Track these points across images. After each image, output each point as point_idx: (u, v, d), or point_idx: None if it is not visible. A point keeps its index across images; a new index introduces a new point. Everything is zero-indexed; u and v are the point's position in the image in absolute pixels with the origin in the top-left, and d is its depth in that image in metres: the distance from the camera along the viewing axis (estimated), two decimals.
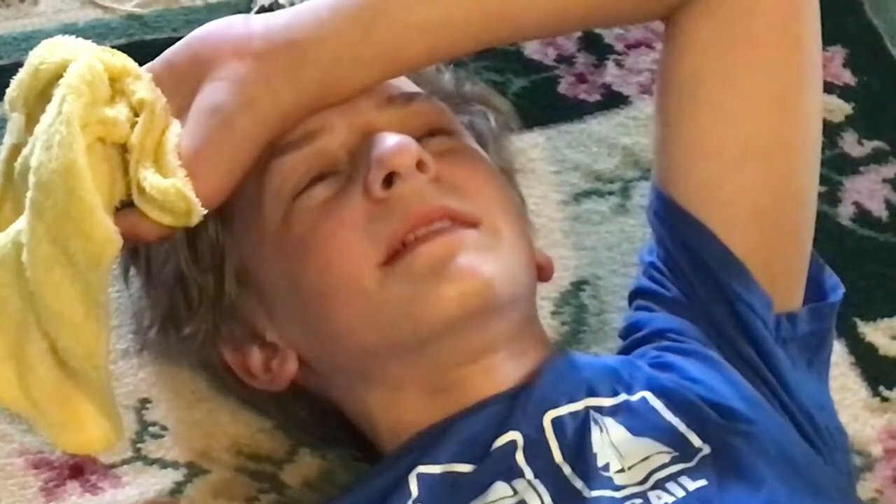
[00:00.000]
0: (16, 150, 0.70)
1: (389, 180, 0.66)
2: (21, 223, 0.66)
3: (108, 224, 0.64)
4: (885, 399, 0.88)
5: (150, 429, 0.83)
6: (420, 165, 0.67)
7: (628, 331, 0.78)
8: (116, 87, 0.69)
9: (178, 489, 0.79)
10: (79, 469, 0.80)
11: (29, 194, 0.65)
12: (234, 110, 0.67)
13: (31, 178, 0.65)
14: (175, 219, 0.67)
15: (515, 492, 0.68)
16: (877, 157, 1.00)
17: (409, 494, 0.68)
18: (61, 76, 0.67)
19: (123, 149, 0.67)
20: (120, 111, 0.67)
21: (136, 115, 0.67)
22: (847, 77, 1.03)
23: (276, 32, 0.69)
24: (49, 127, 0.66)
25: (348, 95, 0.69)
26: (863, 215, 0.97)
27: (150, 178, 0.67)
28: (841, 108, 1.00)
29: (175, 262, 0.76)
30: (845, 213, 0.96)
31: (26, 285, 0.67)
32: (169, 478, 0.79)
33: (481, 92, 0.85)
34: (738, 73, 0.76)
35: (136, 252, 0.78)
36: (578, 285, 0.89)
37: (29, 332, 0.67)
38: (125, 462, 0.81)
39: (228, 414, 0.83)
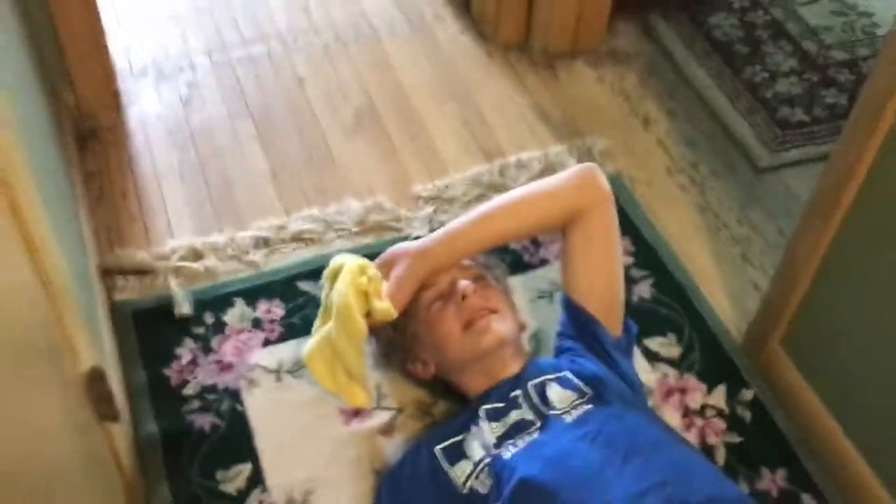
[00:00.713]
0: (326, 298, 1.41)
1: (463, 298, 1.39)
2: (328, 326, 1.35)
3: (363, 326, 1.32)
4: (654, 368, 1.60)
5: (382, 402, 1.51)
6: (473, 291, 1.39)
7: (556, 350, 1.47)
8: (364, 271, 1.37)
9: (392, 420, 1.49)
10: (356, 412, 1.49)
11: (333, 314, 1.34)
12: (408, 276, 1.38)
13: (333, 309, 1.34)
14: (386, 318, 1.36)
15: (520, 415, 1.30)
16: (644, 278, 1.73)
17: (480, 415, 1.33)
18: (341, 268, 1.39)
19: (367, 295, 1.36)
20: (365, 280, 1.36)
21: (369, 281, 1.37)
22: (628, 246, 1.77)
23: (419, 247, 1.40)
24: (340, 288, 1.35)
25: (446, 268, 1.42)
26: (641, 298, 1.69)
27: (376, 305, 1.34)
28: (627, 259, 1.72)
29: (387, 333, 1.45)
30: (633, 298, 1.68)
31: (333, 348, 1.37)
32: (389, 415, 1.49)
33: (494, 261, 1.56)
34: (589, 249, 1.45)
35: (373, 331, 1.42)
36: (536, 333, 1.63)
37: (335, 365, 1.35)
38: (373, 409, 1.49)
39: (411, 389, 1.52)
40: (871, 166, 1.30)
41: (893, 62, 1.21)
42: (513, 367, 1.40)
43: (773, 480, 1.48)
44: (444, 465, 1.30)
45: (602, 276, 1.47)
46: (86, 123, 2.00)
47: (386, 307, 1.34)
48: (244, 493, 1.41)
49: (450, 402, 1.52)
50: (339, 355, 1.36)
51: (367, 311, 1.35)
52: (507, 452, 1.26)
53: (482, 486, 1.25)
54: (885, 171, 1.28)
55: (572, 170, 1.48)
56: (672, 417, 1.55)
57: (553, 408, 1.31)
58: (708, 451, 1.51)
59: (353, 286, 1.35)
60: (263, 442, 1.47)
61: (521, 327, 1.50)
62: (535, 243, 1.80)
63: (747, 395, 1.59)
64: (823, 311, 1.47)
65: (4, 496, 0.71)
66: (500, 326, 1.39)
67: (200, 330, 1.62)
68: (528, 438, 1.27)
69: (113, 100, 2.05)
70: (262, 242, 1.78)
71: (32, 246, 0.92)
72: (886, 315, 1.35)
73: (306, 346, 1.40)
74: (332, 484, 1.43)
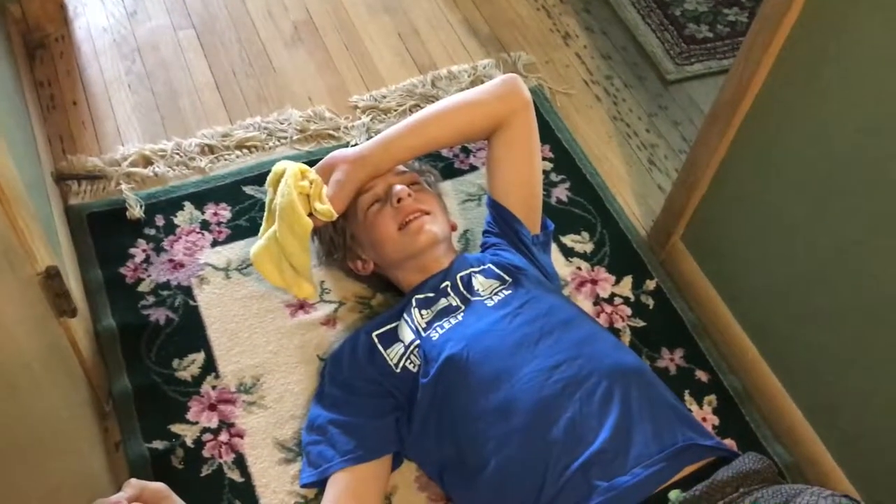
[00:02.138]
0: (270, 203, 1.37)
1: (399, 200, 1.38)
2: (274, 227, 1.33)
3: (308, 221, 1.31)
4: (570, 262, 1.62)
5: (325, 296, 1.52)
6: (408, 194, 1.38)
7: (482, 246, 1.49)
8: (305, 175, 1.36)
9: (333, 313, 1.50)
10: (301, 305, 1.49)
11: (278, 214, 1.32)
12: (347, 179, 1.36)
13: (278, 210, 1.32)
14: (327, 218, 1.33)
15: (448, 301, 1.33)
16: (562, 182, 1.74)
17: (412, 303, 1.34)
18: (283, 173, 1.36)
19: (309, 197, 1.34)
20: (307, 183, 1.34)
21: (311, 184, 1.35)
22: (547, 153, 1.78)
23: (357, 153, 1.38)
24: (283, 190, 1.33)
25: (383, 173, 1.41)
26: (558, 200, 1.71)
27: (318, 206, 1.32)
28: (544, 165, 1.74)
29: (329, 233, 1.45)
30: (551, 200, 1.70)
31: (279, 246, 1.34)
32: (331, 308, 1.50)
33: (427, 167, 1.55)
34: (512, 152, 1.45)
35: (316, 230, 1.42)
36: (465, 232, 1.64)
37: (282, 263, 1.34)
38: (316, 303, 1.50)
39: (351, 284, 1.53)
40: (766, 79, 1.32)
41: None
42: (443, 262, 1.42)
43: (671, 359, 1.54)
44: (380, 347, 1.32)
45: (522, 177, 1.47)
46: (34, 36, 1.89)
47: (326, 208, 1.32)
48: (198, 379, 1.41)
49: (386, 295, 1.54)
50: (286, 252, 1.35)
51: (308, 212, 1.34)
52: (435, 334, 1.28)
53: (413, 365, 1.28)
54: (778, 83, 1.30)
55: (496, 80, 1.46)
56: (584, 305, 1.59)
57: (477, 294, 1.33)
58: (615, 333, 1.56)
59: (296, 188, 1.33)
60: (215, 333, 1.46)
61: (452, 227, 1.51)
62: (465, 151, 1.80)
63: (651, 285, 1.63)
64: (719, 211, 1.51)
65: None
66: (433, 227, 1.39)
67: (152, 231, 1.59)
68: (453, 321, 1.29)
69: (59, 12, 1.94)
70: (208, 149, 1.74)
71: None
72: (772, 214, 1.38)
73: (254, 246, 1.38)
74: (280, 369, 1.44)
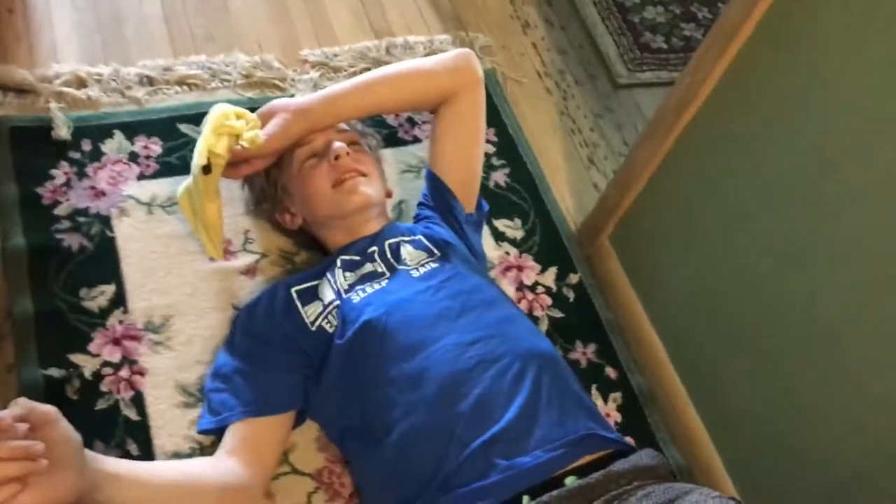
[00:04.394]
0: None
1: (336, 158, 1.35)
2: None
3: (222, 159, 1.26)
4: (499, 246, 1.63)
5: (248, 245, 1.48)
6: (347, 153, 1.35)
7: (416, 217, 1.48)
8: (242, 116, 1.31)
9: (255, 263, 1.45)
10: (225, 251, 1.44)
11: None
12: (285, 127, 1.32)
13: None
14: (254, 146, 1.26)
15: (373, 267, 1.30)
16: (502, 167, 1.74)
17: (337, 264, 1.32)
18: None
19: (238, 137, 1.29)
20: (241, 124, 1.30)
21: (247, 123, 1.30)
22: (491, 136, 1.78)
23: (300, 104, 1.35)
24: (203, 130, 1.29)
25: (323, 128, 1.37)
26: (496, 184, 1.71)
27: (246, 134, 1.26)
28: (485, 148, 1.73)
29: (260, 182, 1.42)
30: (490, 183, 1.70)
31: (193, 198, 1.32)
32: (253, 258, 1.46)
33: (370, 130, 1.52)
34: (457, 128, 1.44)
35: (247, 179, 1.44)
36: (400, 202, 1.61)
37: (196, 215, 1.33)
38: (238, 251, 1.46)
39: (277, 238, 1.49)
40: (711, 92, 1.34)
41: (743, 4, 1.23)
42: (373, 227, 1.39)
43: (584, 353, 1.56)
44: (298, 304, 1.30)
45: (463, 154, 1.47)
46: None
47: (253, 135, 1.27)
48: (105, 311, 1.36)
49: (311, 253, 1.51)
50: (195, 202, 1.32)
51: (233, 148, 1.29)
52: (356, 297, 1.26)
53: (329, 325, 1.26)
54: (721, 98, 1.33)
55: (451, 53, 1.45)
56: (507, 289, 1.60)
57: (404, 263, 1.32)
58: (534, 320, 1.57)
59: (224, 128, 1.28)
60: (129, 267, 1.41)
61: (388, 194, 1.49)
62: (411, 121, 1.78)
63: (574, 278, 1.65)
64: (648, 215, 1.54)
65: None
66: (367, 189, 1.37)
67: (77, 155, 1.52)
68: (376, 286, 1.27)
69: None
70: (147, 80, 1.67)
71: None
72: (698, 224, 1.41)
73: (181, 186, 1.34)
74: (191, 312, 1.39)
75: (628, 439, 1.45)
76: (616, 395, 1.52)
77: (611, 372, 1.55)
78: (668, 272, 1.51)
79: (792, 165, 1.22)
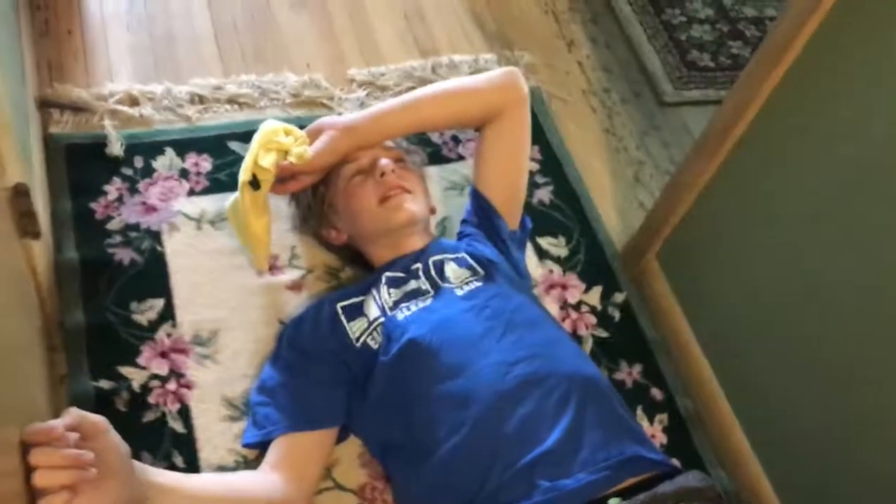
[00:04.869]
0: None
1: (382, 174, 1.36)
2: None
3: (270, 174, 1.28)
4: (542, 264, 1.62)
5: (294, 261, 1.50)
6: (392, 170, 1.35)
7: (459, 234, 1.47)
8: (291, 133, 1.34)
9: (301, 279, 1.47)
10: (269, 267, 1.47)
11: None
12: (333, 143, 1.34)
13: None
14: (302, 162, 1.29)
15: (417, 284, 1.31)
16: (546, 184, 1.74)
17: (382, 280, 1.32)
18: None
19: (286, 153, 1.31)
20: (289, 140, 1.32)
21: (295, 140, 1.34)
22: (536, 154, 1.78)
23: (348, 121, 1.36)
24: (250, 148, 1.32)
25: (370, 145, 1.39)
26: (540, 202, 1.71)
27: (295, 150, 1.29)
28: (531, 166, 1.74)
29: (307, 199, 1.44)
30: (533, 200, 1.70)
31: (238, 212, 1.34)
32: (299, 273, 1.48)
33: (415, 148, 1.53)
34: (502, 145, 1.44)
35: (294, 195, 1.46)
36: (444, 219, 1.63)
37: (241, 229, 1.37)
38: (284, 266, 1.48)
39: (322, 254, 1.51)
40: (760, 111, 1.32)
41: (795, 16, 1.22)
42: (418, 244, 1.40)
43: (629, 373, 1.54)
44: (343, 319, 1.31)
45: (508, 171, 1.46)
46: None
47: (301, 150, 1.29)
48: (154, 325, 1.38)
49: (356, 270, 1.52)
50: (240, 216, 1.33)
51: (281, 163, 1.31)
52: (401, 314, 1.26)
53: (374, 342, 1.26)
54: (771, 116, 1.31)
55: (497, 71, 1.46)
56: (551, 307, 1.58)
57: (448, 281, 1.32)
58: (578, 339, 1.56)
59: (273, 144, 1.30)
60: (178, 282, 1.44)
61: (431, 210, 1.49)
62: (456, 139, 1.79)
63: (619, 297, 1.63)
64: (696, 235, 1.52)
65: None
66: (412, 206, 1.37)
67: (129, 171, 1.56)
68: (420, 304, 1.27)
69: None
70: (198, 99, 1.71)
71: None
72: (746, 245, 1.39)
73: (230, 198, 1.36)
74: (238, 327, 1.41)
75: (674, 461, 1.42)
76: (662, 417, 1.50)
77: (657, 393, 1.53)
78: (715, 291, 1.49)
79: (841, 185, 1.20)
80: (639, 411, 1.49)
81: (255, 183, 1.30)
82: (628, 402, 1.42)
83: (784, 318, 1.34)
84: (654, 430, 1.48)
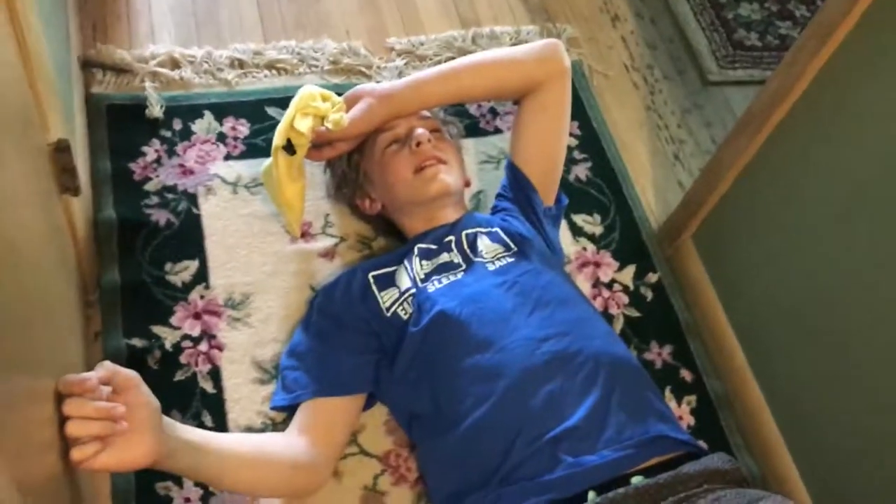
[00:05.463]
0: None
1: (418, 144, 1.35)
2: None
3: (305, 139, 1.29)
4: (576, 241, 1.61)
5: (328, 229, 1.51)
6: (428, 140, 1.35)
7: (493, 208, 1.47)
8: (328, 99, 1.34)
9: (334, 247, 1.48)
10: (302, 234, 1.48)
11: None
12: (369, 111, 1.33)
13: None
14: (338, 128, 1.27)
15: (450, 257, 1.31)
16: (584, 160, 1.73)
17: (414, 252, 1.33)
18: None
19: (323, 119, 1.31)
20: (327, 106, 1.32)
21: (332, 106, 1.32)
22: (574, 130, 1.77)
23: (385, 89, 1.36)
24: (287, 113, 1.31)
25: (407, 114, 1.39)
26: (577, 178, 1.70)
27: (332, 115, 1.28)
28: (569, 141, 1.71)
29: (342, 166, 1.44)
30: (570, 177, 1.69)
31: (272, 175, 1.35)
32: (332, 241, 1.49)
33: (452, 119, 1.53)
34: (540, 119, 1.43)
35: (330, 162, 1.47)
36: (479, 192, 1.62)
37: (276, 193, 1.38)
38: (317, 234, 1.49)
39: (356, 223, 1.51)
40: (805, 91, 1.30)
41: None
42: (451, 216, 1.40)
43: (659, 354, 1.53)
44: (374, 289, 1.31)
45: (546, 146, 1.45)
46: None
47: (338, 117, 1.29)
48: (188, 286, 1.40)
49: (388, 240, 1.53)
50: (273, 179, 1.35)
51: (317, 129, 1.31)
52: (432, 286, 1.27)
53: (404, 312, 1.27)
54: (815, 97, 1.28)
55: (538, 43, 1.44)
56: (583, 285, 1.58)
57: (480, 256, 1.32)
58: (609, 318, 1.55)
59: (302, 107, 1.31)
60: (213, 244, 1.46)
61: (466, 183, 1.49)
62: (493, 112, 1.78)
63: (653, 277, 1.62)
64: (733, 216, 1.50)
65: None
66: (447, 177, 1.37)
67: (168, 133, 1.58)
68: (452, 278, 1.28)
69: None
70: (238, 63, 1.72)
71: (14, 12, 0.88)
72: (785, 227, 1.37)
73: (263, 165, 1.37)
74: (270, 291, 1.43)
75: (701, 443, 1.42)
76: (690, 398, 1.49)
77: (686, 374, 1.52)
78: (751, 275, 1.47)
79: (885, 168, 1.17)
80: (667, 392, 1.48)
81: (289, 147, 1.30)
82: (657, 382, 1.40)
83: (817, 308, 1.32)
84: (682, 412, 1.47)
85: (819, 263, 1.31)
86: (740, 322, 1.50)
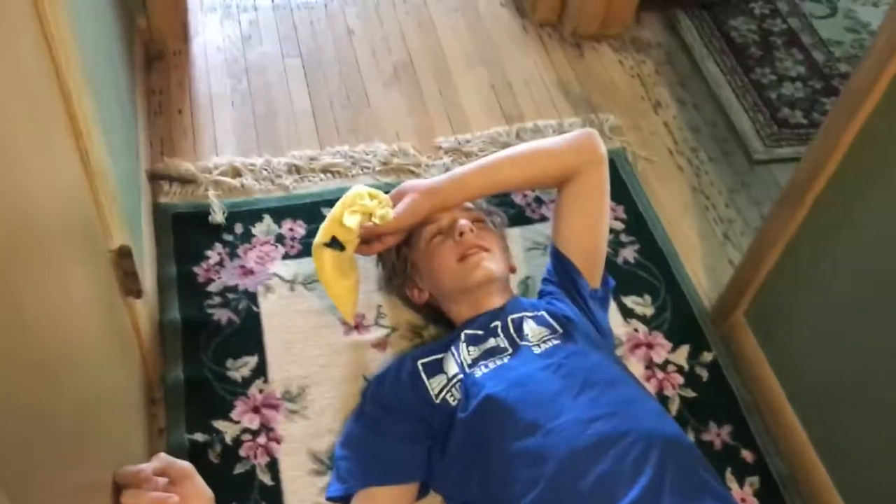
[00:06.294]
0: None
1: (461, 234, 1.39)
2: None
3: (353, 234, 1.36)
4: (627, 323, 1.61)
5: (380, 320, 1.55)
6: (471, 229, 1.40)
7: (540, 293, 1.49)
8: (375, 197, 1.40)
9: (386, 337, 1.52)
10: (356, 326, 1.53)
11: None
12: (415, 205, 1.38)
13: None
14: (384, 223, 1.34)
15: (496, 342, 1.34)
16: (631, 243, 1.74)
17: (461, 338, 1.35)
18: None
19: (370, 216, 1.37)
20: (373, 203, 1.38)
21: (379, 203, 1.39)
22: (621, 214, 1.79)
23: (429, 184, 1.41)
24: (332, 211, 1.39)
25: (450, 207, 1.43)
26: (625, 261, 1.70)
27: (379, 212, 1.35)
28: (614, 225, 1.75)
29: (391, 259, 1.49)
30: (618, 260, 1.70)
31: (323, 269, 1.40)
32: (384, 332, 1.53)
33: (495, 209, 1.57)
34: (580, 205, 1.45)
35: (380, 256, 1.52)
36: (527, 278, 1.65)
37: (326, 287, 1.43)
38: (370, 325, 1.53)
39: (407, 313, 1.56)
40: (842, 161, 1.30)
41: (872, 67, 1.20)
42: (497, 302, 1.42)
43: (718, 434, 1.50)
44: (423, 376, 1.33)
45: (588, 230, 1.47)
46: (155, 47, 2.03)
47: (384, 212, 1.35)
48: (248, 381, 1.45)
49: (438, 328, 1.55)
50: (321, 273, 1.40)
51: (365, 224, 1.37)
52: (479, 372, 1.28)
53: (452, 398, 1.28)
54: (853, 166, 1.28)
55: (573, 133, 1.48)
56: (636, 367, 1.56)
57: (526, 339, 1.33)
58: (664, 400, 1.52)
59: (350, 205, 1.37)
60: (271, 340, 1.51)
61: (511, 269, 1.52)
62: (539, 201, 1.82)
63: (707, 357, 1.60)
64: (783, 290, 1.48)
65: (34, 358, 0.71)
66: (490, 264, 1.40)
67: (230, 237, 1.66)
68: (498, 362, 1.29)
69: (181, 29, 2.07)
70: (295, 169, 1.81)
71: (80, 135, 0.97)
72: (836, 298, 1.35)
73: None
74: (325, 383, 1.46)
75: None
76: (752, 480, 1.44)
77: (747, 455, 1.47)
78: (806, 349, 1.43)
79: None
80: (728, 474, 1.44)
81: (337, 244, 1.36)
82: (717, 463, 1.39)
83: (880, 376, 1.27)
84: (745, 494, 1.42)
85: (872, 332, 1.28)
86: (799, 398, 1.46)
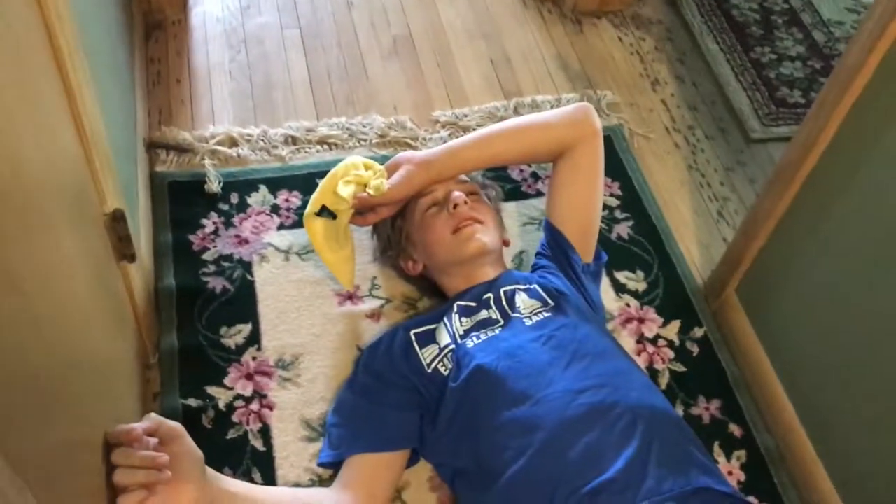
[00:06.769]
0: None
1: (455, 206, 1.40)
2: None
3: (347, 204, 1.35)
4: (619, 298, 1.61)
5: (374, 291, 1.56)
6: (465, 202, 1.40)
7: (533, 266, 1.49)
8: (370, 167, 1.41)
9: (380, 308, 1.52)
10: (349, 296, 1.53)
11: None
12: (409, 177, 1.38)
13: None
14: (379, 193, 1.34)
15: (488, 313, 1.34)
16: (625, 219, 1.74)
17: (454, 309, 1.36)
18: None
19: (365, 186, 1.38)
20: (368, 174, 1.39)
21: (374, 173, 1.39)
22: (616, 190, 1.79)
23: (424, 156, 1.41)
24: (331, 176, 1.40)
25: (444, 179, 1.43)
26: (619, 236, 1.71)
27: (373, 182, 1.35)
28: (609, 201, 1.76)
29: (386, 231, 1.49)
30: (612, 235, 1.70)
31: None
32: (378, 303, 1.53)
33: (490, 182, 1.57)
34: (574, 179, 1.45)
35: (375, 227, 1.52)
36: (521, 252, 1.66)
37: (324, 252, 1.43)
38: (364, 296, 1.54)
39: (401, 285, 1.56)
40: (833, 138, 1.30)
41: (864, 45, 1.20)
42: (490, 274, 1.42)
43: (706, 408, 1.51)
44: (416, 346, 1.34)
45: (581, 204, 1.47)
46: (154, 16, 2.02)
47: (378, 183, 1.35)
48: (241, 349, 1.46)
49: (432, 300, 1.56)
50: (313, 243, 1.41)
51: (359, 195, 1.37)
52: (470, 342, 1.29)
53: (444, 368, 1.29)
54: (844, 143, 1.28)
55: (569, 107, 1.48)
56: (627, 341, 1.57)
57: (517, 311, 1.34)
58: (654, 374, 1.53)
59: (352, 176, 1.37)
60: (265, 309, 1.51)
61: (505, 242, 1.52)
62: (535, 176, 1.81)
63: (698, 332, 1.60)
64: (774, 267, 1.48)
65: (26, 320, 0.72)
66: (484, 237, 1.41)
67: (225, 207, 1.66)
68: (490, 333, 1.30)
69: None
70: (291, 140, 1.81)
71: (72, 97, 0.97)
72: (825, 276, 1.35)
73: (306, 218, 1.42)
74: (319, 352, 1.47)
75: (751, 499, 1.39)
76: (740, 454, 1.45)
77: (735, 429, 1.48)
78: (796, 326, 1.44)
79: None
80: (716, 447, 1.45)
81: (329, 212, 1.36)
82: (705, 437, 1.41)
83: (869, 354, 1.28)
84: (732, 467, 1.43)
85: (859, 312, 1.29)
86: (789, 374, 1.47)
